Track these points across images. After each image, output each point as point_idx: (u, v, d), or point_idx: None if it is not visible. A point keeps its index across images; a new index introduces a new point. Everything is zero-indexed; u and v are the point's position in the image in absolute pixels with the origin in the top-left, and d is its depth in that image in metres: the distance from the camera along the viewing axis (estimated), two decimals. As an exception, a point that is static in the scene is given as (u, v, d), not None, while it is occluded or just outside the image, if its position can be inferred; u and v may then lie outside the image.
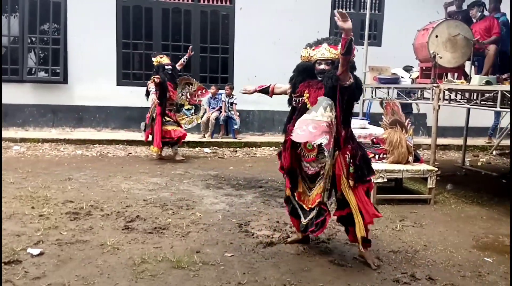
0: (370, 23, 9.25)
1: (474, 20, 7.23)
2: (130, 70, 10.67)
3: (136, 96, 10.36)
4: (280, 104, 11.56)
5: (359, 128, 6.93)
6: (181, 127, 7.96)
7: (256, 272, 3.40)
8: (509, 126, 9.66)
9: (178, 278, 3.26)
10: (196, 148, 9.32)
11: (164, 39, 10.59)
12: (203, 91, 8.17)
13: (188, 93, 7.95)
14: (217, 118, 10.05)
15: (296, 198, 3.81)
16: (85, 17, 10.07)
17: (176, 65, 8.03)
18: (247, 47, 10.67)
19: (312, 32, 10.74)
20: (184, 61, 8.16)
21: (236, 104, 10.20)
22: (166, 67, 7.69)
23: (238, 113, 10.27)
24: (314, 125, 3.28)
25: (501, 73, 6.59)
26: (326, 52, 3.56)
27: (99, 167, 7.09)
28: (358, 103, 3.74)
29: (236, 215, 4.82)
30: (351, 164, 3.52)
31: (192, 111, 8.01)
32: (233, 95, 10.18)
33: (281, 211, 4.99)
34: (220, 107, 10.15)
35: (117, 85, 10.51)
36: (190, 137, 9.88)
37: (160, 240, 3.99)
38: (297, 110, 3.68)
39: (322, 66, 3.56)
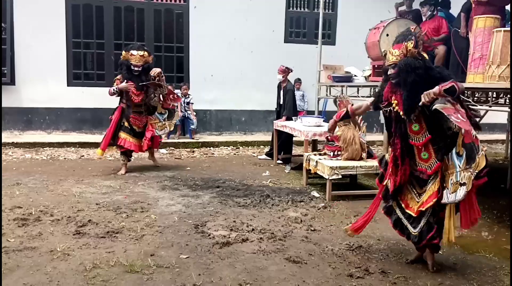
0: (324, 23, 9.39)
1: (424, 19, 7.44)
2: (81, 70, 10.35)
3: (88, 97, 10.12)
4: (237, 103, 11.67)
5: (315, 126, 7.02)
6: (147, 136, 6.91)
7: (211, 272, 3.37)
8: None
9: (131, 282, 3.18)
10: (152, 149, 9.14)
11: (117, 38, 10.35)
12: (175, 97, 7.30)
13: (160, 96, 7.02)
14: (173, 118, 9.91)
15: (403, 206, 3.59)
16: (33, 16, 9.70)
17: (161, 96, 7.04)
18: (203, 46, 10.59)
19: (267, 32, 10.90)
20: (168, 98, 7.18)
21: (192, 103, 10.11)
22: (133, 68, 6.63)
23: (195, 113, 10.18)
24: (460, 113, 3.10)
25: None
26: (390, 56, 3.42)
27: (50, 171, 6.84)
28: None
29: (192, 216, 4.76)
30: None
31: (165, 116, 7.16)
32: (189, 94, 10.08)
33: (238, 211, 4.98)
34: (176, 107, 10.01)
35: (67, 85, 10.17)
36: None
37: (113, 244, 3.88)
38: (393, 121, 3.51)
39: (389, 71, 3.42)
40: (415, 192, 3.53)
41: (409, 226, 3.51)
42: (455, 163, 3.21)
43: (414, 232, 3.45)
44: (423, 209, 3.37)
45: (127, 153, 6.99)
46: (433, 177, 3.38)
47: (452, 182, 3.21)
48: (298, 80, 10.59)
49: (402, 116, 3.36)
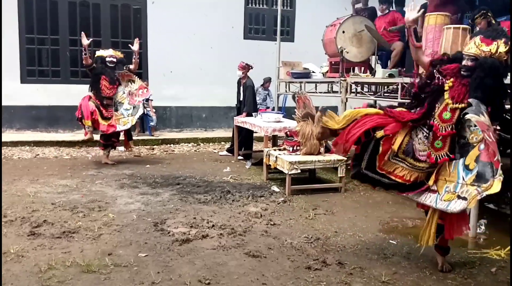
0: (282, 19, 9.47)
1: (381, 13, 7.53)
2: (35, 67, 10.03)
3: (43, 94, 9.83)
4: (198, 100, 11.58)
5: (274, 121, 7.08)
6: (108, 129, 7.03)
7: (171, 270, 3.36)
8: None
9: (88, 282, 3.13)
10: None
11: (72, 33, 10.06)
12: (145, 91, 7.30)
13: (129, 92, 7.11)
14: (132, 116, 9.75)
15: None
16: (-18, 10, 9.30)
17: (131, 66, 7.27)
18: (162, 42, 10.46)
19: (227, 27, 10.88)
20: (135, 58, 7.35)
21: (152, 100, 9.98)
22: (107, 59, 6.95)
23: (154, 110, 10.05)
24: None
25: (402, 67, 7.03)
26: (473, 46, 3.18)
27: (3, 171, 6.60)
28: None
29: (151, 214, 4.72)
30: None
31: (130, 111, 7.15)
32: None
33: (198, 207, 4.98)
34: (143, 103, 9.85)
35: (21, 83, 9.83)
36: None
37: (69, 245, 3.80)
38: (431, 94, 3.39)
39: (464, 62, 3.22)
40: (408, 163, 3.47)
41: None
42: (459, 174, 3.09)
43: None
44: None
45: (108, 145, 7.21)
46: (428, 167, 3.36)
47: (447, 189, 3.11)
48: (269, 80, 10.36)
49: (445, 98, 3.25)
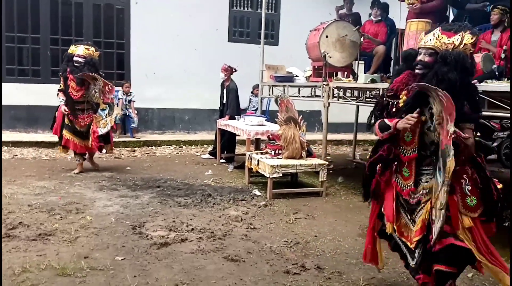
0: (266, 23, 9.46)
1: (373, 19, 7.55)
2: (15, 66, 9.85)
3: (22, 94, 9.65)
4: (181, 102, 11.50)
5: (257, 125, 7.07)
6: (94, 137, 6.53)
7: (148, 274, 3.31)
8: None
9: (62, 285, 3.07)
10: (91, 148, 8.86)
11: (53, 32, 9.92)
12: (110, 87, 6.74)
13: (99, 91, 6.52)
14: (113, 117, 9.64)
15: (397, 232, 2.89)
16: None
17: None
18: (145, 43, 10.37)
19: (211, 29, 10.85)
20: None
21: (134, 101, 9.89)
22: (74, 58, 6.33)
23: (136, 111, 9.95)
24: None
25: (385, 73, 7.09)
26: (431, 38, 2.71)
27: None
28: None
29: (130, 217, 4.66)
30: (469, 195, 2.66)
31: (107, 111, 6.69)
32: (131, 92, 9.85)
33: (178, 211, 4.93)
34: (116, 105, 9.75)
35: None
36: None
37: (45, 247, 3.73)
38: (389, 115, 2.85)
39: (421, 57, 2.71)
40: (409, 218, 2.84)
41: (408, 255, 2.87)
42: (438, 181, 2.56)
43: (412, 264, 2.82)
44: (414, 241, 2.75)
45: (81, 153, 6.75)
46: (423, 203, 2.74)
47: (438, 207, 2.53)
48: (257, 86, 10.20)
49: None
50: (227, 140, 8.03)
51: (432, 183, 2.68)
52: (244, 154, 7.11)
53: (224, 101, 8.16)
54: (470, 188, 2.67)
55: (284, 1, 11.56)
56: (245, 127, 6.96)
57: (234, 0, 11.25)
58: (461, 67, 2.57)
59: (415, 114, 2.63)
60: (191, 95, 10.70)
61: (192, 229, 4.33)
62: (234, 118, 7.83)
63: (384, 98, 2.92)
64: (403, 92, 2.76)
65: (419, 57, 2.71)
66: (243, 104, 9.09)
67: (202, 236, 4.15)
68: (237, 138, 8.13)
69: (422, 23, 5.56)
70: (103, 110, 6.72)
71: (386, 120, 2.81)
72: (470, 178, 2.69)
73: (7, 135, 9.26)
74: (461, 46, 2.63)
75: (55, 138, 8.64)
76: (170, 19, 10.48)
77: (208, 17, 10.74)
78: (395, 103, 2.82)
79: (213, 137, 9.01)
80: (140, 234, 4.15)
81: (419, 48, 2.75)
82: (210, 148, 8.93)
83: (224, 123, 7.72)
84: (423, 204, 2.73)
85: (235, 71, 8.03)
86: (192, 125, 11.15)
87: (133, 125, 9.81)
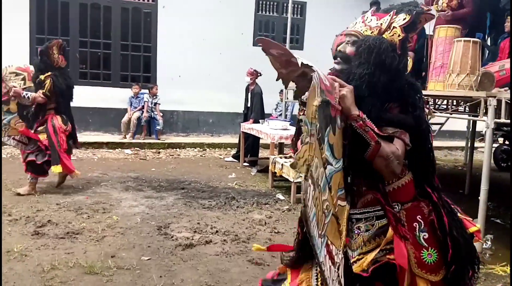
0: (292, 27, 9.47)
1: None
2: (45, 67, 10.08)
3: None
4: (205, 105, 11.58)
5: (281, 129, 7.07)
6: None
7: (173, 275, 3.34)
8: None
9: (90, 284, 3.12)
10: (116, 149, 9.01)
11: (82, 35, 10.13)
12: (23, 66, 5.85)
13: (22, 89, 5.47)
14: (139, 118, 9.79)
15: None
16: (-6, 9, 9.39)
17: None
18: (171, 47, 10.49)
19: (236, 34, 10.91)
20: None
21: (159, 104, 10.01)
22: None
23: (161, 114, 10.07)
24: None
25: (417, 78, 6.99)
26: (359, 21, 1.91)
27: (9, 170, 6.61)
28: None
29: (155, 217, 4.71)
30: (425, 246, 1.76)
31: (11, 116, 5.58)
32: (157, 95, 9.97)
33: (203, 213, 4.96)
34: (142, 107, 9.90)
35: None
36: (110, 138, 9.60)
37: (73, 246, 3.80)
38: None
39: (341, 47, 1.88)
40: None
41: None
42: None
43: None
44: None
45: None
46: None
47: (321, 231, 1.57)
48: (281, 92, 10.05)
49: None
50: (251, 144, 8.06)
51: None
52: (267, 158, 7.12)
53: (249, 105, 8.20)
54: (426, 235, 1.76)
55: (310, 6, 11.54)
56: (269, 131, 6.96)
57: (259, 4, 11.29)
58: (377, 60, 1.73)
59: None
60: (215, 98, 10.76)
61: (217, 231, 4.35)
62: (258, 122, 7.84)
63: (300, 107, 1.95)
64: None
65: (339, 47, 1.89)
66: (267, 108, 9.11)
67: (226, 239, 4.16)
68: (261, 142, 8.14)
69: (452, 29, 5.47)
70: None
71: None
72: (426, 220, 1.79)
73: (36, 135, 9.47)
74: (389, 30, 1.80)
75: (82, 139, 8.82)
76: (196, 23, 10.58)
77: (234, 21, 10.81)
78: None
79: (236, 141, 9.05)
80: (165, 235, 4.19)
81: (345, 35, 1.92)
82: (233, 151, 8.96)
83: (248, 127, 7.74)
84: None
85: (260, 75, 8.05)
86: (216, 128, 11.21)
87: (158, 127, 9.93)
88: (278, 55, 1.73)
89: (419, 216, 1.78)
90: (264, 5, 11.36)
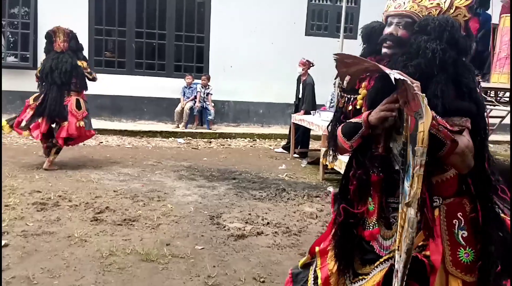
0: (346, 16, 9.23)
1: None
2: (102, 57, 10.43)
3: (107, 84, 10.19)
4: (256, 95, 11.58)
5: (327, 120, 6.95)
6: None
7: (226, 265, 3.38)
8: None
9: (146, 271, 3.21)
10: (170, 138, 9.21)
11: (138, 26, 10.39)
12: None
13: None
14: (191, 108, 9.95)
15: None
16: (57, 1, 9.77)
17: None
18: (223, 36, 10.56)
19: (288, 23, 10.81)
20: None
21: (211, 94, 10.12)
22: None
23: (213, 104, 10.19)
24: None
25: (479, 70, 6.66)
26: (407, 1, 1.72)
27: (68, 156, 6.91)
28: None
29: (208, 207, 4.79)
30: (463, 245, 1.66)
31: None
32: (209, 85, 10.09)
33: (254, 204, 4.99)
34: (195, 97, 10.05)
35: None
36: (163, 127, 9.83)
37: (130, 232, 3.93)
38: (346, 117, 1.87)
39: (391, 29, 1.73)
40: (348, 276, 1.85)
41: None
42: (405, 192, 1.48)
43: None
44: None
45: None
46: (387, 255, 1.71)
47: (407, 225, 1.52)
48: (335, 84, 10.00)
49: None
50: (301, 135, 8.00)
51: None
52: (318, 150, 7.04)
53: (300, 96, 8.13)
54: (465, 234, 1.66)
55: (364, -6, 11.26)
56: (321, 122, 6.87)
57: (313, -8, 11.13)
58: (449, 38, 1.61)
59: (393, 97, 1.59)
60: (266, 88, 10.75)
61: (268, 223, 4.36)
62: (310, 113, 7.76)
63: (340, 94, 1.92)
64: (363, 84, 1.78)
65: (388, 30, 1.73)
66: (318, 99, 8.99)
67: (277, 231, 4.16)
68: (311, 133, 8.06)
69: (519, 17, 5.18)
70: None
71: (352, 119, 1.79)
72: (467, 218, 1.68)
73: (93, 123, 9.82)
74: (451, 10, 1.69)
75: (137, 127, 9.10)
76: (248, 12, 10.57)
77: (286, 10, 10.70)
78: (351, 99, 1.84)
79: (286, 131, 9.02)
80: (218, 224, 4.25)
81: (387, 17, 1.77)
82: (283, 142, 8.93)
83: (299, 118, 7.69)
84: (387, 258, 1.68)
85: (313, 65, 7.96)
86: (266, 118, 11.22)
87: (209, 117, 10.06)
88: (351, 62, 1.63)
89: (460, 213, 1.68)
90: (317, -7, 11.18)
